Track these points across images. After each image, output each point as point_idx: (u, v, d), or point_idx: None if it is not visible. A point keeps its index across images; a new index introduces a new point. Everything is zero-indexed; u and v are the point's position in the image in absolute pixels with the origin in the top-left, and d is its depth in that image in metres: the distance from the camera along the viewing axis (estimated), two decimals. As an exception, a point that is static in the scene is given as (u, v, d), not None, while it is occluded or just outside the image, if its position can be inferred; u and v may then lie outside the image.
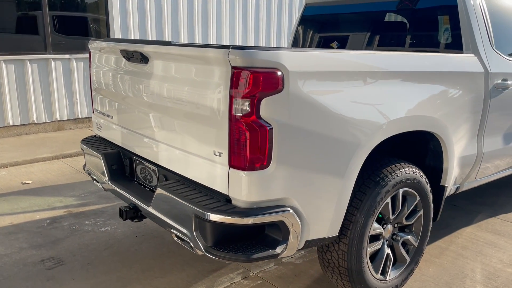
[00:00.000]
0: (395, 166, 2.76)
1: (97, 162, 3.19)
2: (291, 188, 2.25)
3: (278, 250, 2.25)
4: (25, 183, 5.16)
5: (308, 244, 2.44)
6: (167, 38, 8.43)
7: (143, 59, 2.66)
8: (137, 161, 3.00)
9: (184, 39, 8.67)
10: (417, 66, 2.81)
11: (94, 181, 3.37)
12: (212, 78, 2.23)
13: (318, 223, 2.42)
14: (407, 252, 3.03)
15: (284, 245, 2.27)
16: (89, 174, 3.42)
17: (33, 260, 3.42)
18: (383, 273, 2.89)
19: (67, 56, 7.40)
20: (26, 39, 7.19)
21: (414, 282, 3.17)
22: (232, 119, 2.14)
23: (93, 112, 3.54)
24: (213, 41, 9.06)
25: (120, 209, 2.86)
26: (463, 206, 4.62)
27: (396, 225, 2.96)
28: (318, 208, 2.39)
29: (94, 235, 3.85)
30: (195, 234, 2.27)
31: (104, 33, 7.97)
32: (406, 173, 2.78)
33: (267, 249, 2.25)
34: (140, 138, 2.89)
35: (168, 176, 2.70)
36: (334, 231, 2.52)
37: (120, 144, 3.17)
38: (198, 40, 8.86)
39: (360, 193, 2.60)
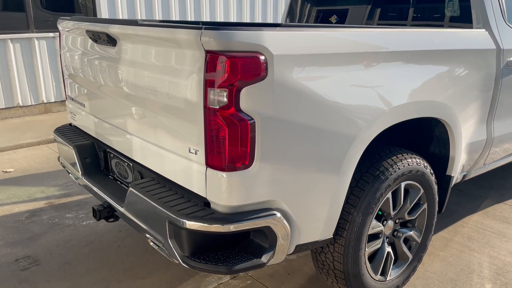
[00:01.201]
0: (397, 157, 2.48)
1: (70, 154, 2.91)
2: (278, 189, 1.97)
3: (264, 259, 1.99)
4: (6, 172, 4.90)
5: (299, 248, 2.17)
6: (157, 16, 8.03)
7: (110, 41, 2.34)
8: (112, 155, 2.72)
9: (175, 16, 8.26)
10: (423, 44, 2.48)
11: (70, 174, 3.10)
12: (184, 64, 1.92)
13: (310, 226, 2.15)
14: (409, 248, 2.78)
15: (271, 252, 2.01)
16: (64, 167, 3.15)
17: (6, 260, 3.18)
18: (383, 273, 2.64)
19: (51, 34, 7.02)
20: (7, 17, 6.80)
21: (416, 280, 2.93)
22: (207, 112, 1.84)
23: (66, 98, 3.23)
24: (206, 17, 8.65)
25: (93, 208, 2.59)
26: (468, 191, 4.35)
27: (397, 221, 2.70)
28: (309, 209, 2.11)
29: (74, 230, 3.61)
30: (170, 243, 2.00)
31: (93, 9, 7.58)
32: (409, 164, 2.49)
33: (251, 258, 1.99)
34: (112, 130, 2.60)
35: (143, 173, 2.42)
36: (328, 233, 2.26)
37: (93, 135, 2.88)
38: (190, 17, 8.45)
39: (358, 189, 2.32)
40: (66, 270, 3.05)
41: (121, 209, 2.35)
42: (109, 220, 2.62)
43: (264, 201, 1.96)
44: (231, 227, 1.87)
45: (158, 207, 2.02)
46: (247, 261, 1.96)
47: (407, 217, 2.69)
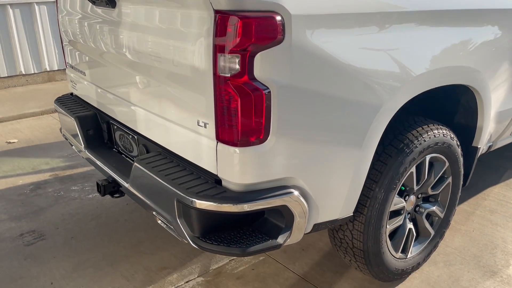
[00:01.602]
0: (422, 128, 2.28)
1: (72, 126, 2.75)
2: (295, 165, 1.80)
3: (280, 239, 1.84)
4: (10, 142, 4.78)
5: (317, 227, 2.02)
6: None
7: (110, 2, 2.13)
8: (115, 127, 2.55)
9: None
10: (452, 4, 2.24)
11: (73, 147, 2.95)
12: (191, 27, 1.72)
13: (329, 204, 1.99)
14: (431, 224, 2.62)
15: (288, 232, 1.86)
16: (66, 139, 3.00)
17: (11, 235, 3.08)
18: (404, 250, 2.50)
19: (52, -1, 6.75)
20: (6, -19, 6.53)
21: (437, 256, 2.79)
22: (217, 81, 1.65)
23: (66, 66, 3.04)
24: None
25: (97, 183, 2.45)
26: (490, 162, 4.16)
27: (419, 196, 2.53)
28: (329, 186, 1.95)
29: (80, 203, 3.49)
30: (178, 222, 1.86)
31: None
32: (435, 136, 2.30)
33: (266, 238, 1.84)
34: (115, 100, 2.43)
35: (149, 147, 2.26)
36: (348, 211, 2.10)
37: (95, 105, 2.71)
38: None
39: (380, 164, 2.14)
40: (72, 245, 2.95)
41: (126, 185, 2.21)
42: (115, 195, 2.48)
43: (280, 178, 1.79)
44: (245, 207, 1.72)
45: (166, 184, 1.87)
46: (262, 242, 1.82)
47: (430, 192, 2.52)
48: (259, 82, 1.63)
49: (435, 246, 2.69)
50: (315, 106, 1.76)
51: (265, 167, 1.73)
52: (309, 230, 2.00)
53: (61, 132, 3.11)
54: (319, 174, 1.89)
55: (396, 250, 2.44)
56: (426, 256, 2.64)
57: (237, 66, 1.61)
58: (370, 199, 2.15)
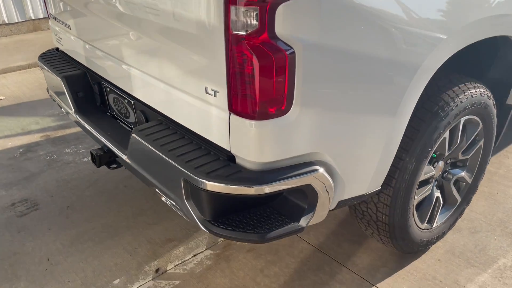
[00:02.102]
0: (459, 88, 2.00)
1: (59, 87, 2.45)
2: (322, 139, 1.54)
3: (303, 222, 1.62)
4: (-4, 100, 4.47)
5: (342, 204, 1.80)
6: None
7: None
8: (108, 88, 2.26)
9: None
10: None
11: (62, 109, 2.67)
12: (196, -28, 1.39)
13: (356, 179, 1.75)
14: (457, 190, 2.41)
15: (311, 214, 1.63)
16: (54, 100, 2.70)
17: (2, 204, 2.86)
18: (430, 220, 2.30)
19: None
20: None
21: (461, 222, 2.60)
22: (230, 40, 1.35)
23: (48, 16, 2.69)
24: None
25: (91, 153, 2.19)
26: (510, 115, 3.90)
27: (448, 161, 2.30)
28: (358, 160, 1.70)
29: (75, 167, 3.25)
30: (187, 204, 1.62)
31: None
32: (472, 96, 2.03)
33: (287, 221, 1.62)
34: (105, 59, 2.11)
35: (148, 114, 1.98)
36: (376, 185, 1.87)
37: (84, 63, 2.39)
38: None
39: (411, 130, 1.88)
40: (69, 216, 2.74)
41: (124, 157, 1.95)
42: (111, 166, 2.23)
43: (304, 154, 1.54)
44: (264, 189, 1.47)
45: (170, 161, 1.61)
46: (283, 226, 1.59)
47: (460, 157, 2.28)
48: (281, 41, 1.33)
49: (461, 213, 2.49)
50: (346, 69, 1.47)
51: (287, 142, 1.47)
52: (333, 207, 1.77)
53: (48, 93, 2.80)
54: (348, 148, 1.63)
55: (422, 221, 2.24)
56: (451, 224, 2.45)
57: (255, 22, 1.30)
58: (400, 170, 1.91)
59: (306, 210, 1.63)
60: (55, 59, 2.63)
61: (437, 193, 2.27)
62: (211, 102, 1.53)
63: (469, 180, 2.41)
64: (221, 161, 1.56)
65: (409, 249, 2.25)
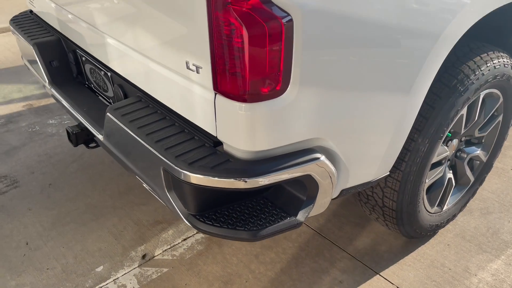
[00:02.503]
0: (480, 58, 1.76)
1: (31, 54, 2.19)
2: (324, 123, 1.32)
3: (301, 216, 1.42)
4: (-23, 65, 4.20)
5: (344, 192, 1.60)
6: None
7: None
8: (83, 58, 2.01)
9: None
10: None
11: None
12: None
13: (362, 166, 1.54)
14: (471, 169, 2.20)
15: (310, 206, 1.43)
16: (29, 70, 2.45)
17: (-21, 182, 2.67)
18: (441, 203, 2.10)
19: None
20: None
21: (473, 202, 2.41)
22: (213, 5, 1.10)
23: (19, -24, 2.39)
24: None
25: (67, 131, 1.97)
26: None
27: (462, 139, 2.08)
28: (365, 145, 1.48)
29: (59, 140, 3.04)
30: (168, 196, 1.42)
31: None
32: (494, 67, 1.78)
33: (282, 216, 1.42)
34: (80, 24, 1.85)
35: (127, 89, 1.74)
36: (384, 170, 1.66)
37: (58, 29, 2.13)
38: None
39: (426, 108, 1.65)
40: (51, 194, 2.55)
41: (100, 138, 1.73)
42: (90, 145, 2.02)
43: (304, 140, 1.32)
44: (256, 182, 1.26)
45: (149, 148, 1.39)
46: (278, 222, 1.40)
47: (477, 134, 2.06)
48: (277, 6, 1.08)
49: (474, 194, 2.30)
50: (354, 40, 1.23)
51: (283, 128, 1.24)
52: (334, 196, 1.57)
53: (23, 61, 2.55)
54: (354, 131, 1.41)
55: (432, 205, 2.04)
56: (462, 206, 2.26)
57: (243, -18, 1.05)
58: (411, 152, 1.70)
59: (304, 202, 1.42)
60: (27, 22, 2.36)
61: (449, 174, 2.07)
62: (193, 79, 1.29)
63: (484, 159, 2.20)
64: (207, 148, 1.34)
65: (416, 235, 2.07)
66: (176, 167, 1.29)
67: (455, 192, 2.19)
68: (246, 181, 1.25)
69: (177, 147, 1.35)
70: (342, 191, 1.57)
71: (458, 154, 2.11)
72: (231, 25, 1.09)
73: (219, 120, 1.26)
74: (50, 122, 3.25)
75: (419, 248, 2.15)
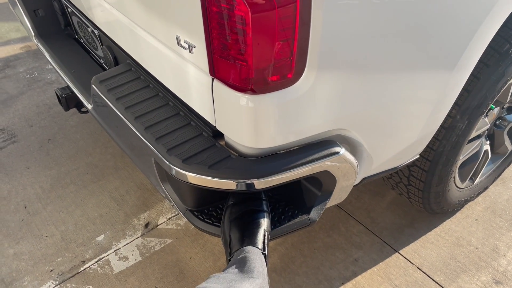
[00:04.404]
0: (540, 16, 1.44)
1: (14, 1, 1.93)
2: (347, 112, 1.08)
3: (314, 214, 1.23)
4: (-28, -1, 3.91)
5: (366, 180, 1.39)
6: None
7: None
8: (69, 9, 1.74)
9: None
10: None
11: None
12: None
13: (389, 154, 1.32)
14: (510, 137, 1.95)
15: (325, 202, 1.24)
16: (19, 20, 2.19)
17: (-24, 136, 2.53)
18: (473, 177, 1.89)
19: None
20: None
21: (507, 171, 2.18)
22: (206, -28, 0.83)
23: None
24: None
25: (56, 94, 1.77)
26: None
27: (505, 106, 1.81)
28: (394, 132, 1.25)
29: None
30: (163, 187, 1.23)
31: None
32: (555, 27, 1.47)
33: (294, 214, 1.23)
34: (59, -29, 1.57)
35: (117, 54, 1.50)
36: (413, 155, 1.43)
37: (40, -28, 1.84)
38: None
39: (470, 79, 1.38)
40: (50, 152, 2.40)
41: (89, 108, 1.52)
42: (82, 110, 1.82)
43: (321, 132, 1.09)
44: (260, 184, 1.06)
45: (137, 134, 1.18)
46: (288, 221, 1.21)
47: (522, 101, 1.79)
48: (288, -25, 0.81)
49: (510, 163, 2.06)
50: (392, 10, 0.95)
51: (296, 122, 1.01)
52: (356, 183, 1.37)
53: (11, 9, 2.28)
54: (383, 119, 1.17)
55: (464, 180, 1.83)
56: (496, 177, 2.04)
57: None
58: (446, 130, 1.46)
59: (319, 197, 1.23)
60: (9, -39, 2.07)
61: (487, 146, 1.83)
62: (186, 58, 1.05)
63: (527, 126, 1.93)
64: (205, 139, 1.12)
65: (442, 211, 1.88)
66: (168, 163, 1.08)
67: (489, 163, 1.96)
68: (250, 183, 1.05)
69: (170, 136, 1.14)
70: (363, 179, 1.36)
71: (497, 122, 1.85)
72: (228, 4, 0.82)
73: (218, 109, 1.04)
74: (49, 67, 3.03)
75: (444, 223, 1.97)
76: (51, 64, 1.77)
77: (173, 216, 2.04)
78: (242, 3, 0.81)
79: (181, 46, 1.02)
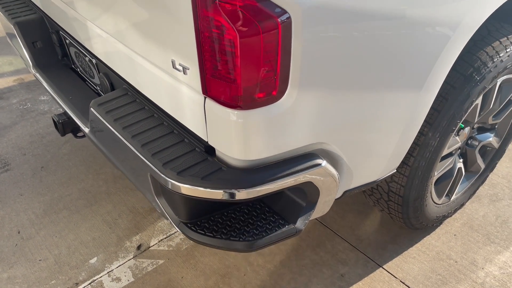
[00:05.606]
0: (500, 42, 1.60)
1: (13, 34, 2.04)
2: (326, 127, 1.19)
3: (300, 224, 1.32)
4: (-34, 35, 4.02)
5: (347, 193, 1.49)
6: None
7: None
8: (67, 41, 1.86)
9: None
10: None
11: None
12: None
13: (368, 167, 1.43)
14: (482, 156, 2.09)
15: (310, 212, 1.33)
16: (13, 48, 2.30)
17: (-31, 165, 2.58)
18: (449, 194, 2.00)
19: None
20: None
21: (482, 188, 2.31)
22: (199, 2, 0.96)
23: None
24: None
25: (53, 120, 1.85)
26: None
27: (475, 126, 1.95)
28: (371, 146, 1.36)
29: (51, 119, 2.92)
30: (158, 201, 1.32)
31: None
32: (515, 52, 1.63)
33: (280, 224, 1.32)
34: (63, 7, 1.69)
35: (113, 79, 1.61)
36: (391, 169, 1.55)
37: (40, 7, 1.96)
38: None
39: (438, 100, 1.52)
40: (43, 178, 2.46)
41: (86, 131, 1.61)
42: (78, 135, 1.91)
43: (304, 146, 1.20)
44: (250, 193, 1.15)
45: (134, 151, 1.27)
46: (275, 231, 1.30)
47: (490, 121, 1.93)
48: (272, 3, 0.94)
49: (484, 181, 2.19)
50: (361, 36, 1.08)
51: (281, 135, 1.12)
52: (337, 196, 1.47)
53: (9, 41, 2.39)
54: (360, 133, 1.29)
55: (440, 196, 1.94)
56: (471, 194, 2.16)
57: (233, -24, 0.90)
58: (420, 147, 1.58)
59: (304, 208, 1.32)
60: (8, -3, 2.19)
61: (460, 164, 1.95)
62: (181, 80, 1.16)
63: (497, 145, 2.07)
64: (197, 154, 1.22)
65: (422, 227, 1.98)
66: (163, 176, 1.18)
67: (464, 181, 2.08)
68: (240, 193, 1.14)
69: (165, 152, 1.23)
70: (345, 192, 1.46)
71: (469, 141, 1.99)
72: (219, 26, 0.95)
73: (209, 125, 1.14)
74: (42, 98, 3.12)
75: (425, 238, 2.07)
76: (49, 92, 1.87)
77: (165, 238, 2.10)
78: (231, 28, 0.93)
79: (176, 68, 1.13)
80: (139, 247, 2.06)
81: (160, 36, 1.15)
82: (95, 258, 2.02)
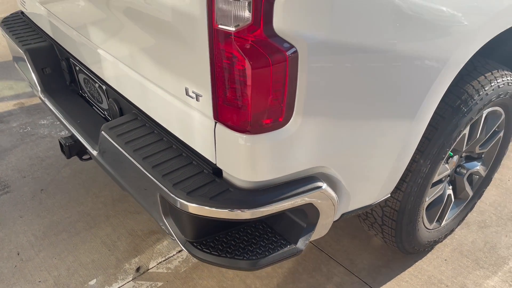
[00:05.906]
0: (484, 77, 1.72)
1: (23, 60, 2.12)
2: (327, 152, 1.28)
3: (301, 244, 1.39)
4: (-34, 60, 4.09)
5: (345, 215, 1.57)
6: None
7: None
8: (77, 68, 1.94)
9: None
10: None
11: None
12: None
13: (364, 191, 1.51)
14: (470, 184, 2.18)
15: (310, 233, 1.40)
16: (20, 73, 2.38)
17: (-31, 187, 2.61)
18: (439, 219, 2.08)
19: None
20: None
21: (470, 215, 2.40)
22: (215, 36, 1.05)
23: (9, -24, 2.31)
24: None
25: (60, 143, 1.92)
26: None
27: (463, 155, 2.06)
28: (367, 171, 1.45)
29: (51, 142, 2.97)
30: (165, 221, 1.38)
31: None
32: (498, 86, 1.75)
33: (282, 244, 1.39)
34: (73, 34, 1.79)
35: (122, 105, 1.69)
36: (386, 193, 1.63)
37: (50, 34, 2.06)
38: None
39: (429, 129, 1.61)
40: (42, 201, 2.50)
41: (94, 153, 1.68)
42: (83, 157, 1.97)
43: (306, 169, 1.28)
44: (255, 213, 1.22)
45: (144, 172, 1.35)
46: (277, 250, 1.36)
47: (478, 150, 2.04)
48: (281, 38, 1.03)
49: (472, 208, 2.28)
50: (361, 71, 1.19)
51: (285, 159, 1.20)
52: (335, 219, 1.54)
53: (15, 65, 2.47)
54: (357, 159, 1.38)
55: (431, 222, 2.02)
56: (461, 220, 2.24)
57: (247, 13, 1.00)
58: (412, 173, 1.67)
59: (305, 229, 1.39)
60: (19, 25, 2.29)
61: (449, 191, 2.05)
62: (193, 106, 1.24)
63: (484, 174, 2.18)
64: (205, 175, 1.30)
65: (414, 251, 2.05)
66: (173, 196, 1.24)
67: (453, 207, 2.17)
68: (246, 212, 1.21)
69: (174, 173, 1.31)
70: (342, 214, 1.54)
71: (457, 169, 2.09)
72: (233, 58, 1.04)
73: (218, 148, 1.22)
74: (42, 122, 3.18)
75: (417, 263, 2.14)
76: (56, 116, 1.94)
77: (164, 260, 2.14)
78: (244, 60, 1.03)
79: (189, 95, 1.22)
80: (138, 270, 2.10)
81: (174, 65, 1.24)
82: (94, 280, 2.05)
